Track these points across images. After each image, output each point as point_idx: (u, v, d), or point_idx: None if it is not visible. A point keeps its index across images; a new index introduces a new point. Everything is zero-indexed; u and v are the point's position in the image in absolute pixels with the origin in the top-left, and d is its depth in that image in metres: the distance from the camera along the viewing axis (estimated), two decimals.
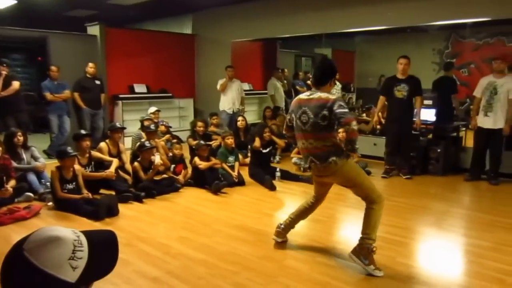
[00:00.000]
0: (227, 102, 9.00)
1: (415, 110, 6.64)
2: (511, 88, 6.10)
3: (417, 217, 4.95)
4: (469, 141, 7.16)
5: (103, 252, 1.10)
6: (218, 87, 8.97)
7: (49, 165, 5.80)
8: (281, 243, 3.96)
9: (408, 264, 3.61)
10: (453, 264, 3.75)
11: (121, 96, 9.36)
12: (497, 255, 3.76)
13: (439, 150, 6.78)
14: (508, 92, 6.09)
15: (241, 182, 6.23)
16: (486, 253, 3.80)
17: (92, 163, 5.68)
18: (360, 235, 3.43)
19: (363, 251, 3.37)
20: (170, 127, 8.04)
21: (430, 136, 7.18)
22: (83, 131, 6.05)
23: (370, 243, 3.37)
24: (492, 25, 8.89)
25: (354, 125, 3.25)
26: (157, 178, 5.93)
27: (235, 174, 6.25)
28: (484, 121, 6.28)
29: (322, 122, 3.35)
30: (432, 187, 6.36)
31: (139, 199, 5.34)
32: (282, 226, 3.95)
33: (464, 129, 7.55)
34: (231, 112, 8.98)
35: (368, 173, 6.79)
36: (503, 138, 6.31)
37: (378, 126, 7.62)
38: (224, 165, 6.32)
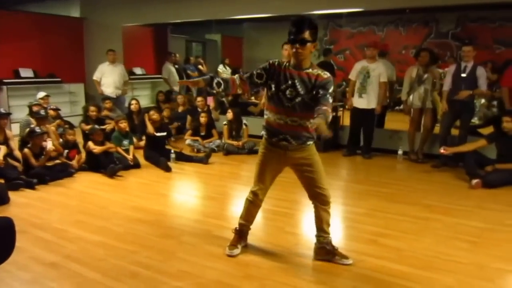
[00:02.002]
0: (108, 86, 8.92)
1: None
2: (382, 72, 6.79)
3: (301, 191, 5.14)
4: (345, 120, 7.84)
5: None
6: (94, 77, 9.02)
7: None
8: None
9: (295, 233, 4.00)
10: (334, 229, 4.02)
11: (5, 81, 8.85)
12: (370, 219, 4.29)
13: None
14: (379, 76, 6.76)
15: (136, 165, 6.30)
16: (361, 219, 4.32)
17: None
18: None
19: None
20: (59, 109, 7.81)
21: None
22: None
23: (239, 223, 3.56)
24: (364, 15, 9.73)
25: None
26: (49, 164, 5.82)
27: (130, 157, 6.30)
28: (359, 102, 6.91)
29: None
30: None
31: (31, 186, 5.23)
32: None
33: (341, 109, 8.19)
34: (114, 96, 8.89)
35: (256, 152, 7.19)
36: (375, 117, 7.03)
37: None
38: (119, 149, 6.34)
